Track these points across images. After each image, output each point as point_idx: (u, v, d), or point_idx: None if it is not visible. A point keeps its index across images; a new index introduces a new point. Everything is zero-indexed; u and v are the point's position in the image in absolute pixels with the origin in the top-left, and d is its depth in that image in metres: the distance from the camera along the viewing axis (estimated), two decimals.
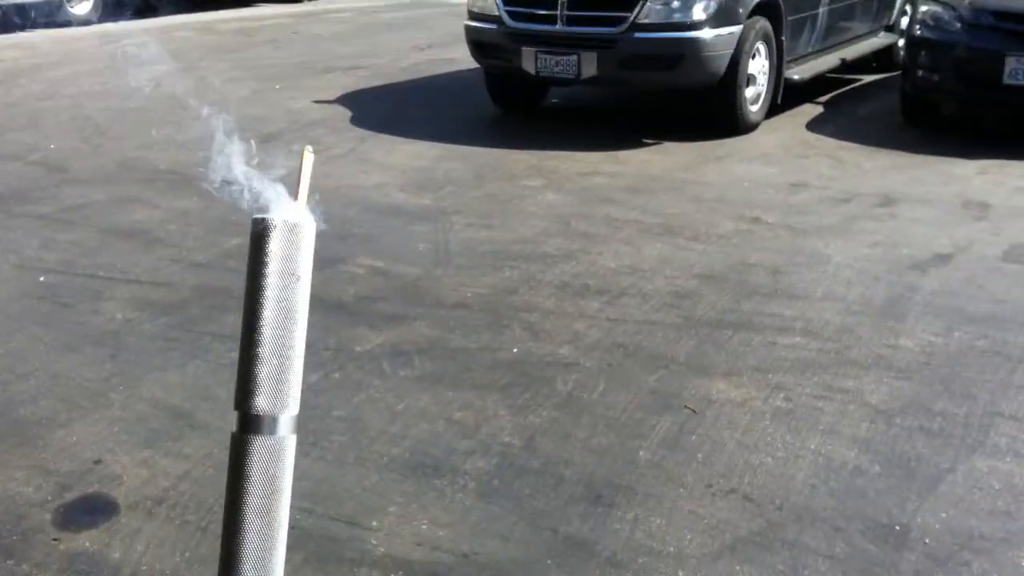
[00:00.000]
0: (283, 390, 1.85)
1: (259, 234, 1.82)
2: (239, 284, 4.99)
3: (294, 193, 1.87)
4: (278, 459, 1.86)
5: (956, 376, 3.97)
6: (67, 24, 13.45)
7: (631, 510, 3.15)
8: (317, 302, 3.68)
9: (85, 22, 13.67)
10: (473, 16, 8.17)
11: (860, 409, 3.73)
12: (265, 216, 1.83)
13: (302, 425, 3.54)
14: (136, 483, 3.30)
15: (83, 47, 12.15)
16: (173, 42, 12.39)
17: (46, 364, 4.13)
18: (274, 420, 1.85)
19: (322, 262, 4.63)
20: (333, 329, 4.38)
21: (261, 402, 1.83)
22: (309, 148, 1.85)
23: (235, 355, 4.25)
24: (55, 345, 4.30)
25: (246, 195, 1.89)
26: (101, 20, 13.85)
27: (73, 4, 13.66)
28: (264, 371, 1.83)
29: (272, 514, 1.86)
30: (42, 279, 5.01)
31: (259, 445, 1.84)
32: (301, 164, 1.84)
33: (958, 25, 7.61)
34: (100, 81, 10.08)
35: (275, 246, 1.82)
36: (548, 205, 6.13)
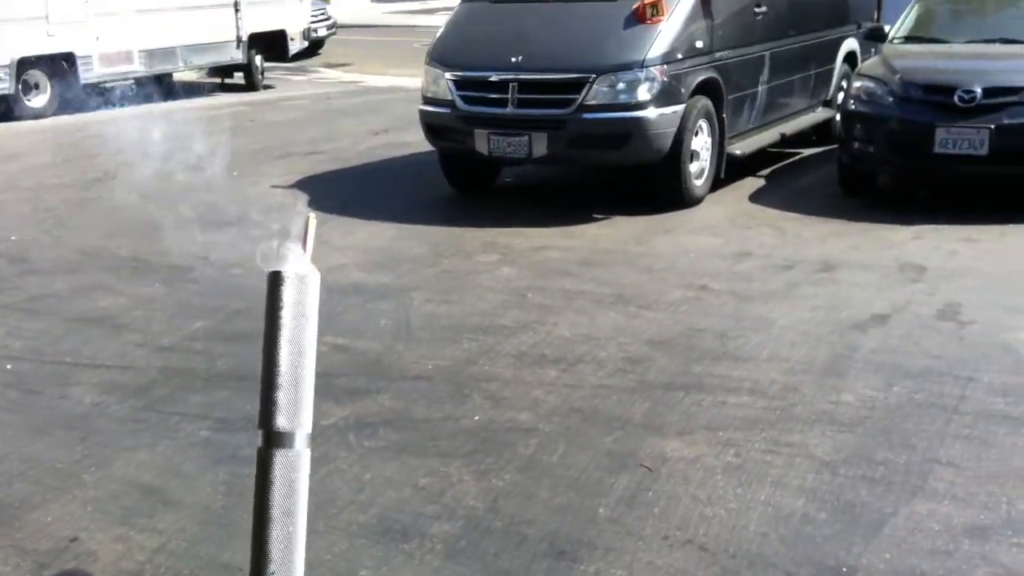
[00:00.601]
0: (298, 411, 2.26)
1: (275, 284, 2.27)
2: (205, 365, 5.13)
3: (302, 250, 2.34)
4: (297, 468, 2.27)
5: (896, 427, 4.19)
6: (23, 117, 13.60)
7: (593, 564, 3.30)
8: None
9: (41, 115, 13.82)
10: (427, 101, 8.45)
11: (806, 461, 3.92)
12: (279, 270, 2.26)
13: None
14: (112, 558, 3.39)
15: (40, 139, 12.31)
16: (129, 133, 12.55)
17: (17, 448, 4.22)
18: (292, 436, 2.26)
19: None
20: None
21: (281, 421, 2.25)
22: (312, 214, 2.33)
23: (203, 433, 4.39)
24: (26, 430, 4.39)
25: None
26: (57, 113, 14.02)
27: (30, 97, 13.83)
28: (283, 396, 2.23)
29: (293, 513, 2.25)
30: (9, 367, 5.11)
31: (281, 457, 2.25)
32: (307, 227, 2.30)
33: (890, 99, 8.00)
34: (58, 173, 10.23)
35: (288, 293, 2.26)
36: (504, 279, 6.34)
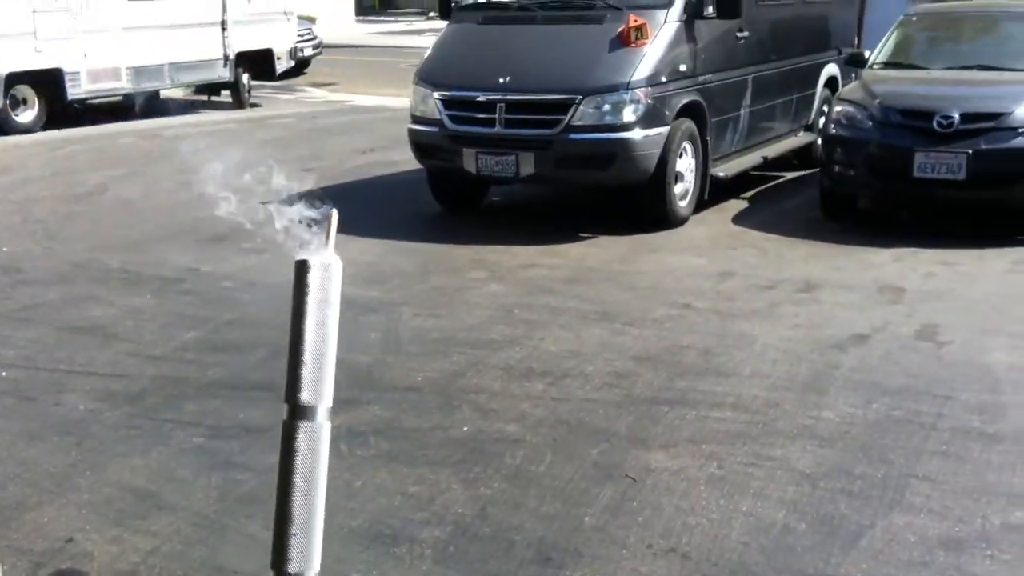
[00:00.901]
0: (320, 387, 2.45)
1: (301, 271, 2.46)
2: (197, 374, 5.20)
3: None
4: (318, 438, 2.45)
5: (874, 443, 4.30)
6: (11, 132, 13.62)
7: (578, 570, 3.38)
8: (274, 390, 3.92)
9: (29, 130, 13.86)
10: (416, 120, 8.56)
11: (787, 474, 4.02)
12: (305, 258, 2.45)
13: (262, 503, 3.75)
14: (107, 559, 3.46)
15: (29, 154, 12.35)
16: (117, 148, 12.64)
17: (13, 453, 4.27)
18: (315, 409, 2.45)
19: (276, 354, 4.86)
20: None
21: (305, 396, 2.44)
22: (334, 210, 2.49)
23: (196, 440, 4.47)
24: (21, 435, 4.45)
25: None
26: (44, 128, 14.05)
27: (18, 113, 13.86)
28: (307, 373, 2.42)
29: (314, 480, 2.44)
30: (3, 374, 5.16)
31: (304, 428, 2.44)
32: (330, 220, 2.48)
33: (870, 123, 8.15)
34: (47, 186, 10.28)
35: (313, 280, 2.44)
36: (492, 295, 6.44)
